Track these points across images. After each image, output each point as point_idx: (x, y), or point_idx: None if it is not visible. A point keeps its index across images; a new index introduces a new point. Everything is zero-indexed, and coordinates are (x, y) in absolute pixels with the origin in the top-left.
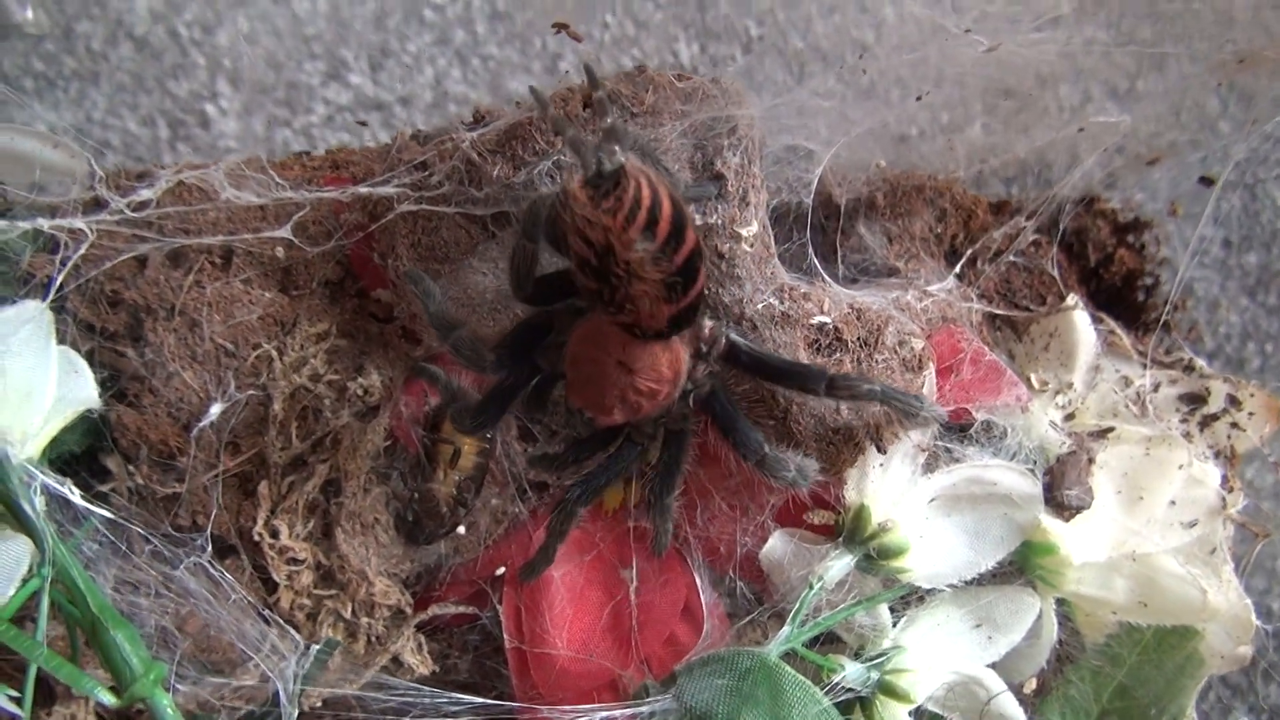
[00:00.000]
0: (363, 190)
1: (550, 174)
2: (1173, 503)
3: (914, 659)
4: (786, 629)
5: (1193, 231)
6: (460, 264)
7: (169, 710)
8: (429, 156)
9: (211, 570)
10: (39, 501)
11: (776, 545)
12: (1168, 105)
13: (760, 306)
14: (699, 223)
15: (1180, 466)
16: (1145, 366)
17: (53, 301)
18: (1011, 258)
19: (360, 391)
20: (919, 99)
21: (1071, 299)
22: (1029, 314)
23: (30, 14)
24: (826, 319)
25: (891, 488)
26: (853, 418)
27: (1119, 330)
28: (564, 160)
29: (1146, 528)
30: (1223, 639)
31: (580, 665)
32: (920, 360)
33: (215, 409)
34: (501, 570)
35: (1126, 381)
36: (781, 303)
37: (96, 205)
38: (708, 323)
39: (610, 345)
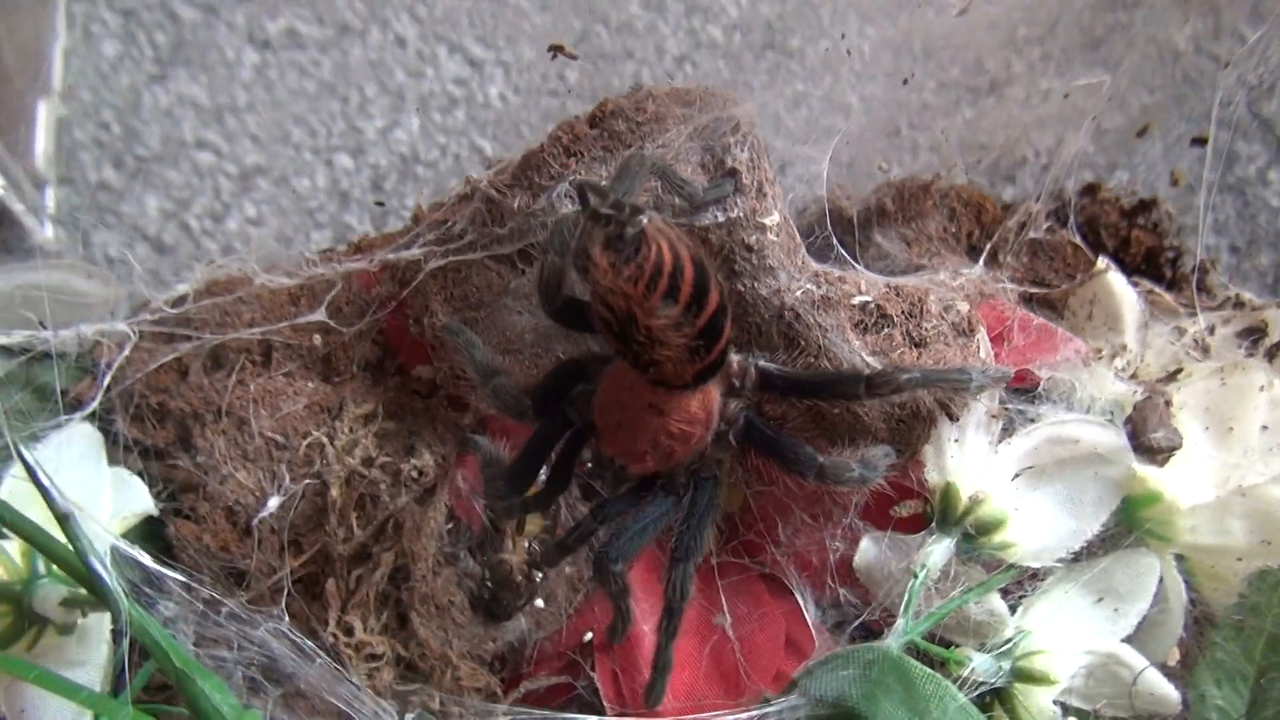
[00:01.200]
0: (390, 256)
1: (569, 195)
2: (1265, 428)
3: (1043, 643)
4: (901, 621)
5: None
6: (495, 306)
7: None
8: (448, 207)
9: (292, 636)
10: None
11: (868, 549)
12: (1143, 62)
13: (799, 293)
14: (721, 219)
15: (1261, 389)
16: (1196, 311)
17: (100, 423)
18: (1032, 235)
19: (415, 474)
20: (906, 82)
21: (1102, 262)
22: (1063, 289)
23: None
24: (867, 298)
25: (972, 460)
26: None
27: (1157, 289)
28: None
29: (1245, 459)
30: None
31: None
32: (970, 323)
33: (273, 502)
34: (589, 636)
35: (1180, 331)
36: (819, 287)
37: (134, 313)
38: (734, 358)
39: (640, 389)
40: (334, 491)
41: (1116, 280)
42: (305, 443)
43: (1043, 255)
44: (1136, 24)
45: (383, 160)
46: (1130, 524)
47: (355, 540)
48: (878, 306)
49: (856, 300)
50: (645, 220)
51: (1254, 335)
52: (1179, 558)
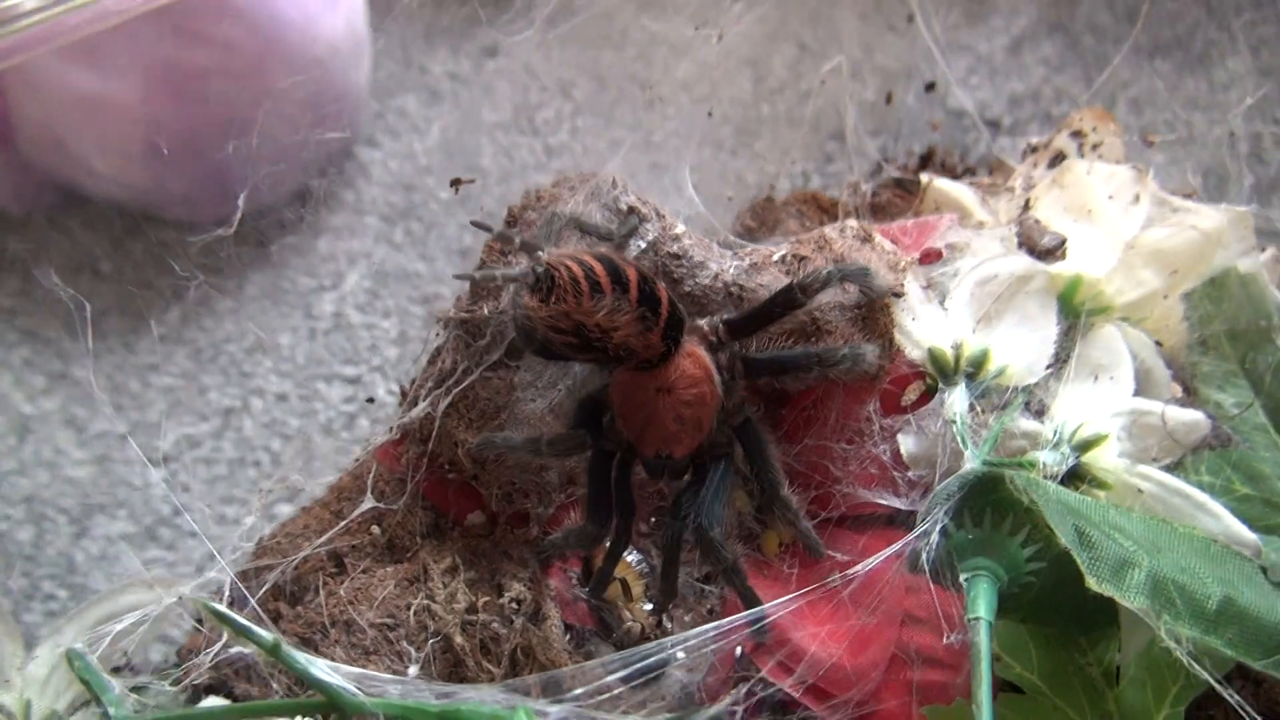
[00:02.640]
0: (405, 420)
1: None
2: (1111, 196)
3: (1078, 421)
4: (968, 452)
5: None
6: (510, 406)
7: None
8: (437, 345)
9: None
10: None
11: (906, 440)
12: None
13: (732, 270)
14: (644, 246)
15: (1087, 173)
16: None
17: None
18: (869, 195)
19: (514, 604)
20: (710, 114)
21: (924, 176)
22: (914, 211)
23: None
24: (782, 251)
25: (934, 324)
26: (857, 292)
27: (975, 180)
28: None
29: (1111, 225)
30: (1236, 248)
31: (861, 657)
32: (866, 232)
33: (412, 671)
34: (739, 651)
35: (1011, 190)
36: (743, 260)
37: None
38: (701, 321)
39: (641, 383)
40: (458, 639)
41: (942, 183)
42: (411, 613)
43: (884, 207)
44: None
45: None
46: (1075, 313)
47: (498, 676)
48: (793, 255)
49: (775, 257)
50: (544, 254)
51: (1057, 159)
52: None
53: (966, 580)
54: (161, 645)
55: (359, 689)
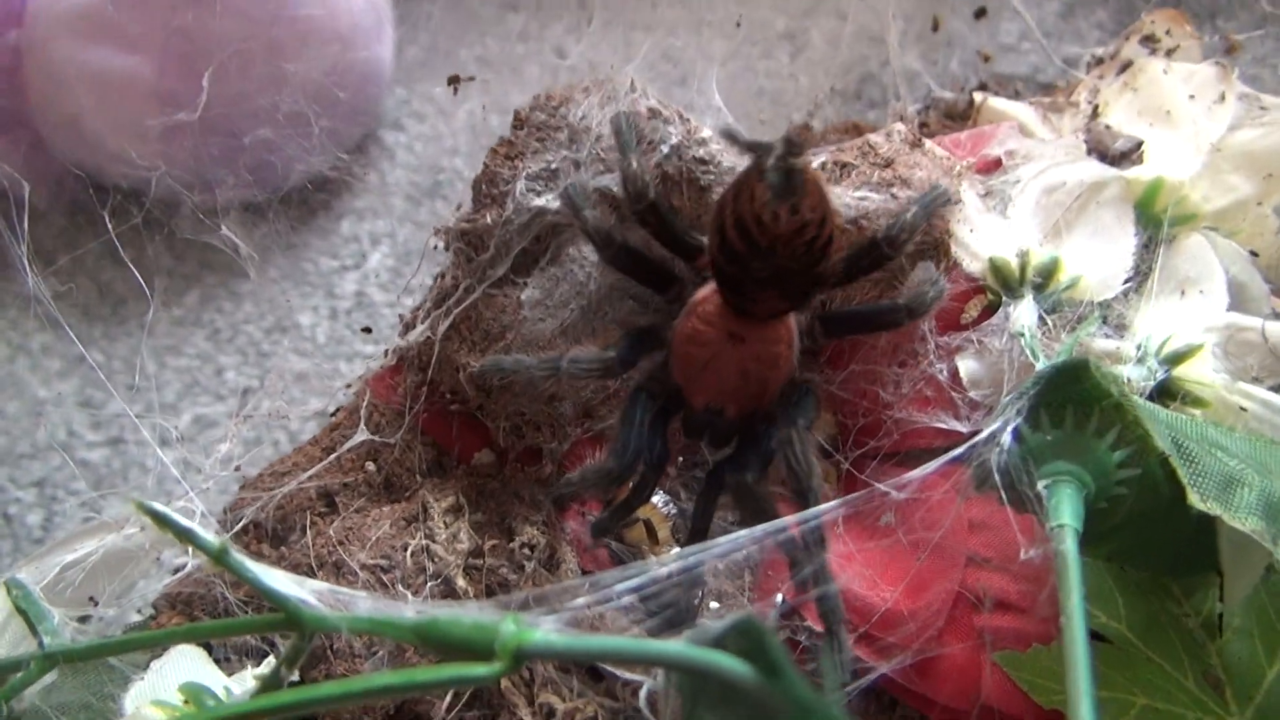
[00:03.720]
0: (402, 344)
1: (532, 190)
2: (1192, 96)
3: (1164, 334)
4: (1039, 365)
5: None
6: (517, 327)
7: None
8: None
9: None
10: None
11: (966, 363)
12: None
13: None
14: (666, 151)
15: (1165, 72)
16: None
17: None
18: (915, 114)
19: (527, 550)
20: (738, 24)
21: (978, 95)
22: (964, 124)
23: None
24: (822, 158)
25: (994, 234)
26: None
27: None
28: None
29: (1194, 127)
30: None
31: (920, 600)
32: (916, 136)
33: (408, 606)
34: (780, 598)
35: (1075, 105)
36: None
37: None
38: None
39: (716, 321)
40: (460, 582)
41: (998, 102)
42: (409, 554)
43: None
44: None
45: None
46: (1155, 223)
47: None
48: (834, 162)
49: (814, 164)
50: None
51: (1127, 68)
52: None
53: (1046, 488)
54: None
55: (323, 603)
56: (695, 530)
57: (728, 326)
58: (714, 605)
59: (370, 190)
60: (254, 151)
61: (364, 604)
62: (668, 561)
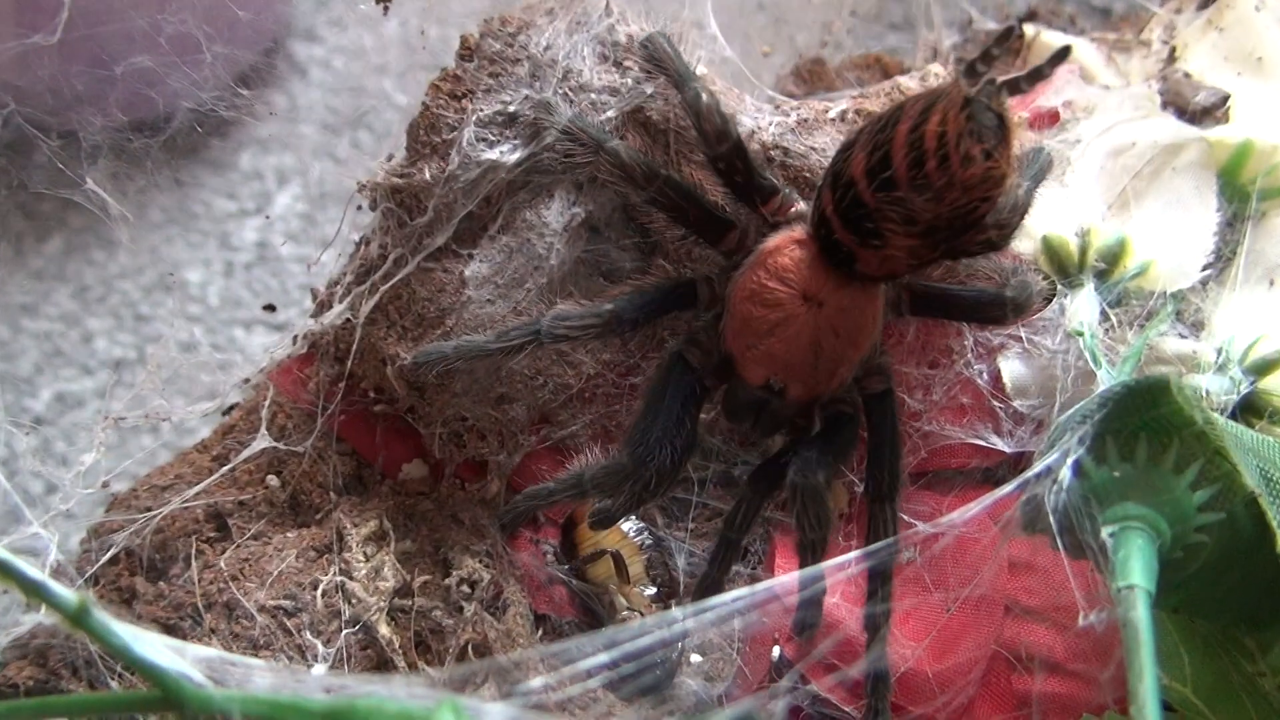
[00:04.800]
0: (315, 327)
1: (483, 138)
2: None
3: (1250, 338)
4: (1101, 373)
5: None
6: (459, 309)
7: None
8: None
9: None
10: None
11: (1011, 365)
12: None
13: (773, 129)
14: (647, 91)
15: (1256, 9)
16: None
17: None
18: (951, 44)
19: (466, 587)
20: None
21: (1028, 29)
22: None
23: None
24: (841, 106)
25: (1048, 204)
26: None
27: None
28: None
29: None
30: None
31: (949, 661)
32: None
33: (319, 670)
34: (777, 652)
35: (1145, 44)
36: (788, 115)
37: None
38: None
39: (793, 278)
40: (383, 629)
41: (1052, 36)
42: (319, 593)
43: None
44: None
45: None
46: (1243, 195)
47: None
48: (857, 111)
49: (832, 113)
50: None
51: (1207, 1)
52: None
53: (1112, 536)
54: None
55: (211, 677)
56: (724, 538)
57: (806, 286)
58: (696, 659)
59: (276, 116)
60: (128, 84)
61: (262, 678)
62: (647, 617)
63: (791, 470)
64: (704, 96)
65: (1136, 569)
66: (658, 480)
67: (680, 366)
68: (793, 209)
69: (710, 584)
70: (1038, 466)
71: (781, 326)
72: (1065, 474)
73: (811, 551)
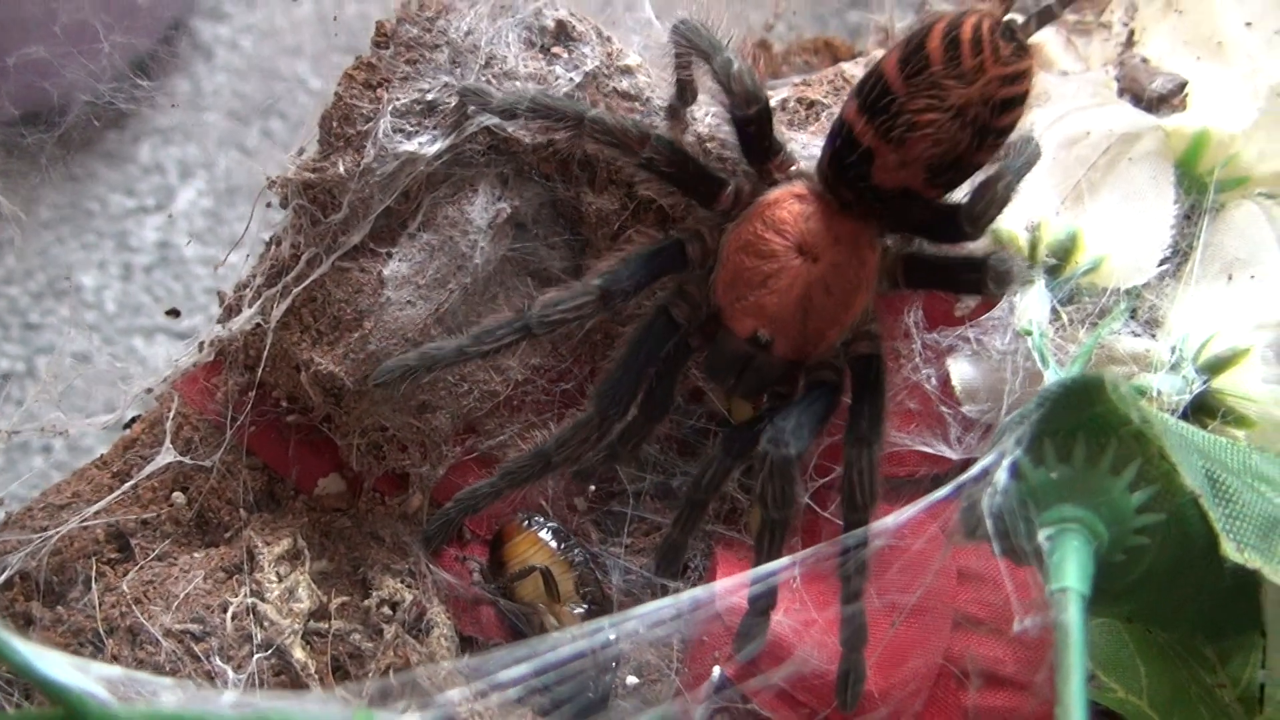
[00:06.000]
0: (222, 333)
1: (402, 130)
2: (1249, 24)
3: (1204, 335)
4: (1052, 373)
5: None
6: (378, 311)
7: None
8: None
9: None
10: None
11: (963, 369)
12: None
13: (709, 120)
14: (575, 79)
15: None
16: None
17: None
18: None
19: (387, 608)
20: None
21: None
22: None
23: None
24: (782, 95)
25: None
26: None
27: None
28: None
29: (1250, 64)
30: None
31: (895, 676)
32: None
33: (229, 697)
34: (717, 672)
35: (1106, 27)
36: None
37: None
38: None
39: (789, 230)
40: (298, 654)
41: (1008, 18)
42: (229, 616)
43: None
44: None
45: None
46: (1200, 186)
47: None
48: (799, 100)
49: (771, 102)
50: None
51: None
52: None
53: (1049, 539)
54: None
55: (117, 696)
56: (673, 542)
57: (803, 239)
58: (632, 681)
59: (179, 103)
60: (20, 76)
61: (170, 695)
62: (574, 631)
63: (764, 438)
64: (735, 62)
65: (1071, 571)
66: (626, 434)
67: (663, 320)
68: (793, 166)
69: (674, 546)
70: (973, 470)
71: (774, 278)
72: (1002, 476)
73: (770, 534)
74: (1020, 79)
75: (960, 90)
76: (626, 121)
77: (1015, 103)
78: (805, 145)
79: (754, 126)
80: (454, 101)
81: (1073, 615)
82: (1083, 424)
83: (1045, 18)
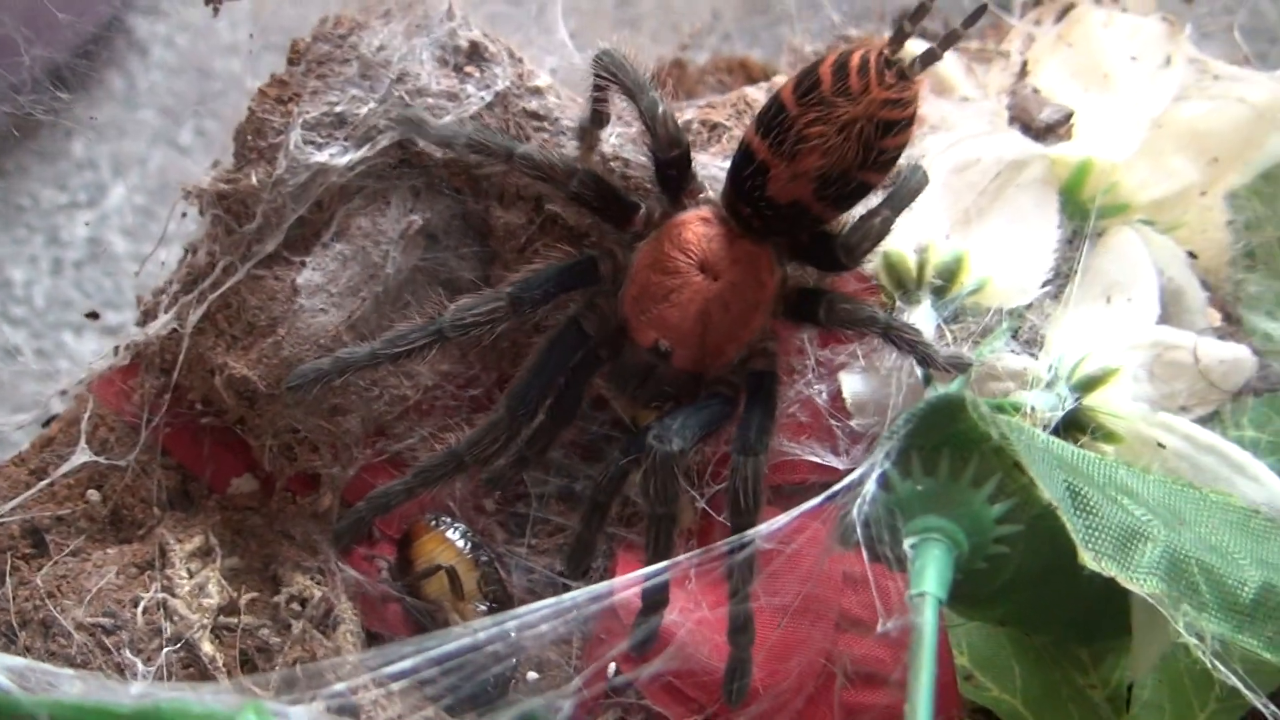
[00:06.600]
0: (139, 337)
1: (312, 141)
2: (1134, 58)
3: (1079, 354)
4: (932, 389)
5: None
6: (290, 318)
7: None
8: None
9: None
10: None
11: (853, 380)
12: None
13: (614, 140)
14: (486, 98)
15: (1104, 25)
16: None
17: None
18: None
19: (296, 604)
20: None
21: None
22: None
23: None
24: (688, 116)
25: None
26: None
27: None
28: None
29: (1133, 96)
30: None
31: (779, 673)
32: None
33: (138, 689)
34: (613, 670)
35: (1005, 55)
36: (630, 127)
37: None
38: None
39: (692, 249)
40: (206, 647)
41: (914, 45)
42: (140, 610)
43: None
44: None
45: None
46: (1083, 213)
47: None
48: (702, 121)
49: (688, 116)
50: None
51: (1068, 11)
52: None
53: (913, 547)
54: None
55: (21, 686)
56: (577, 550)
57: (705, 258)
58: (532, 676)
59: (113, 98)
60: None
61: (73, 685)
62: (476, 626)
63: (650, 435)
64: (659, 106)
65: (930, 578)
66: (535, 438)
67: (574, 330)
68: (701, 194)
69: (583, 544)
70: (844, 481)
71: (676, 293)
72: (871, 487)
73: (657, 530)
74: (903, 104)
75: (846, 107)
76: (553, 156)
77: (899, 126)
78: (705, 165)
79: (674, 170)
80: (366, 114)
81: (928, 618)
82: (947, 440)
83: (929, 59)
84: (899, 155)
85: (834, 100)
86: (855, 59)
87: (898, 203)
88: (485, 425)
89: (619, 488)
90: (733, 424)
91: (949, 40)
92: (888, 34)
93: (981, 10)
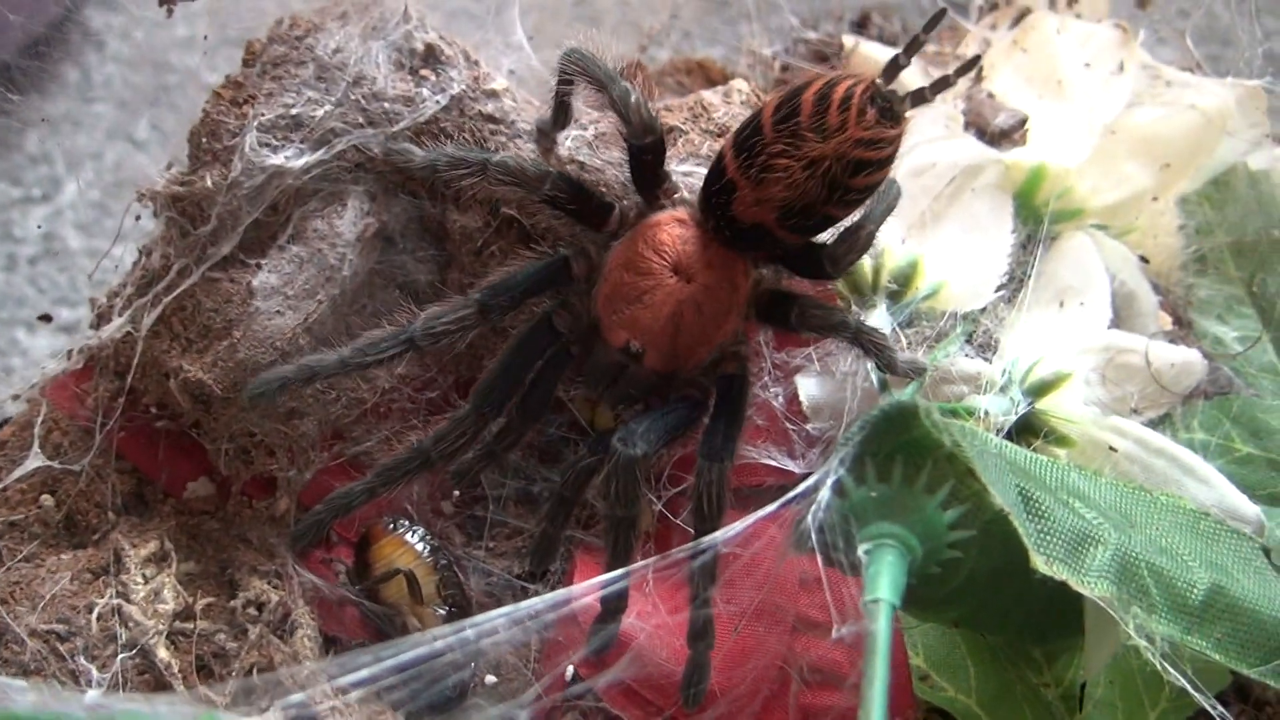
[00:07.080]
0: (93, 340)
1: (268, 144)
2: (1088, 65)
3: (1031, 359)
4: (887, 394)
5: None
6: (246, 320)
7: None
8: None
9: None
10: None
11: (809, 384)
12: None
13: (570, 143)
14: (441, 102)
15: (1058, 32)
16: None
17: None
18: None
19: (253, 609)
20: None
21: (849, 39)
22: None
23: None
24: None
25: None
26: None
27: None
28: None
29: (1087, 102)
30: (1245, 136)
31: (736, 676)
32: (760, 99)
33: (93, 695)
34: (571, 672)
35: (960, 59)
36: (586, 130)
37: None
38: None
39: (667, 250)
40: (162, 653)
41: (871, 48)
42: (95, 616)
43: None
44: None
45: None
46: (1036, 218)
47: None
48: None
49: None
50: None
51: (1023, 17)
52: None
53: (867, 553)
54: None
55: None
56: (546, 537)
57: (679, 260)
58: (491, 680)
59: (68, 92)
60: None
61: (24, 696)
62: (435, 632)
63: (615, 437)
64: (632, 94)
65: (884, 584)
66: (503, 434)
67: (545, 327)
68: (676, 195)
69: (547, 540)
70: (800, 487)
71: (649, 294)
72: (825, 494)
73: (617, 533)
74: (881, 145)
75: (815, 144)
76: (526, 162)
77: (873, 165)
78: None
79: (649, 155)
80: (321, 117)
81: (881, 624)
82: (901, 447)
83: (918, 99)
84: (869, 194)
85: (806, 135)
86: (839, 91)
87: (880, 216)
88: (452, 421)
89: (585, 484)
90: (697, 430)
91: (912, 47)
92: (845, 36)
93: (942, 14)
